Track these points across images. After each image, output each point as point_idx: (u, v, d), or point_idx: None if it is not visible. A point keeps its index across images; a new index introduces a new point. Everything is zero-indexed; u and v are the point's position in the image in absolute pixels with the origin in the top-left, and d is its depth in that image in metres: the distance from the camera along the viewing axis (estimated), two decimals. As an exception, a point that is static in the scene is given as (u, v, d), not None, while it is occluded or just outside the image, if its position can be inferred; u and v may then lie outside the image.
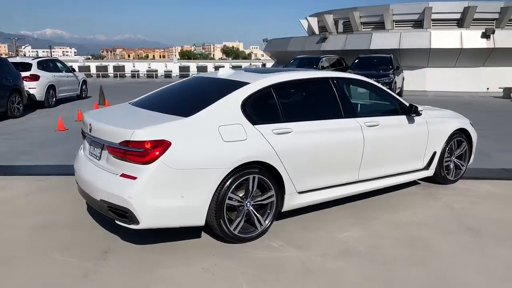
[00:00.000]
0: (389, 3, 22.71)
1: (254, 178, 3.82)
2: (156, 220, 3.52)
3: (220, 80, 4.48)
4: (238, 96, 3.97)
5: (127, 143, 3.47)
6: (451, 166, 5.66)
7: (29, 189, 5.46)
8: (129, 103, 4.76)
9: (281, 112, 4.14)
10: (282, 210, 4.15)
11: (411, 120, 5.08)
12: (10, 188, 5.50)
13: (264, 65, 32.54)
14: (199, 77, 5.05)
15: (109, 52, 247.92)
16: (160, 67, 36.72)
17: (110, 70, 35.86)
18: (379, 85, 5.15)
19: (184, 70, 35.16)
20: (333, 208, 4.73)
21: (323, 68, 18.78)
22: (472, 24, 21.82)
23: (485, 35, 19.51)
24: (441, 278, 3.31)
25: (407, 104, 5.11)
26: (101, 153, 3.85)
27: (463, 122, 5.70)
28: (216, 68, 35.24)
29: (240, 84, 4.12)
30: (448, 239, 4.01)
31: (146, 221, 3.47)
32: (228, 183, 3.67)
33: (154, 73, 35.21)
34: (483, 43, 19.56)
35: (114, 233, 4.08)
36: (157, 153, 3.42)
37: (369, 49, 20.16)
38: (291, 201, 4.15)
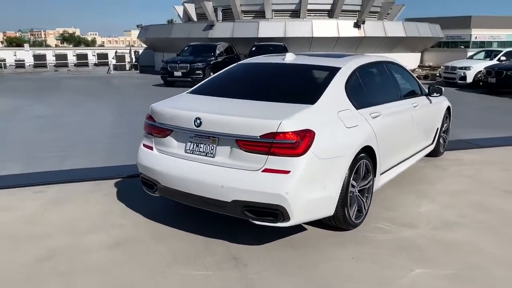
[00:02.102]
0: (269, -8, 23.69)
1: (363, 163, 3.84)
2: (305, 215, 3.32)
3: (303, 65, 4.32)
4: (341, 80, 3.90)
5: (273, 135, 3.16)
6: (441, 140, 6.40)
7: (36, 203, 4.48)
8: (189, 93, 4.25)
9: (367, 95, 4.20)
10: (370, 193, 4.24)
11: (430, 100, 5.61)
12: (12, 206, 4.42)
13: (137, 52, 30.76)
14: (266, 63, 4.71)
15: None
16: (7, 56, 31.78)
17: None
18: (406, 68, 5.54)
19: (40, 59, 31.10)
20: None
21: (219, 55, 18.78)
22: (340, 15, 24.12)
23: (357, 25, 21.82)
24: (547, 232, 3.85)
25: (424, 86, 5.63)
26: (215, 149, 3.41)
27: (448, 100, 6.48)
28: (79, 56, 32.04)
29: (333, 69, 4.04)
30: (502, 201, 4.60)
31: (297, 217, 3.24)
32: (349, 169, 3.62)
33: (2, 62, 30.40)
34: (355, 32, 21.84)
35: (211, 237, 3.68)
36: (307, 143, 3.20)
37: (257, 37, 20.72)
38: (377, 183, 4.27)
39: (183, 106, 3.77)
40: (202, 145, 3.48)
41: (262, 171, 3.20)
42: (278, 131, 3.15)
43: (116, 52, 31.76)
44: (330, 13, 24.15)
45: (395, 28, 22.81)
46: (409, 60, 22.58)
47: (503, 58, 19.44)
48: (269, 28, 21.32)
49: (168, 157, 3.67)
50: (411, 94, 5.39)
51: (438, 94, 5.60)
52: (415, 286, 2.98)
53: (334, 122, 3.54)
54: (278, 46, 18.52)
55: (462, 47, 69.25)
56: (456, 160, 6.25)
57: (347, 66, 4.12)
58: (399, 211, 4.33)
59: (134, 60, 30.37)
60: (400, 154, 4.77)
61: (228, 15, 24.91)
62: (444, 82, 18.63)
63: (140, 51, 31.50)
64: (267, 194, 3.15)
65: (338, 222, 3.69)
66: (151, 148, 3.86)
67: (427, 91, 5.60)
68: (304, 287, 2.96)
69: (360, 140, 3.71)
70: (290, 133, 3.16)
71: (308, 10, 23.57)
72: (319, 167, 3.30)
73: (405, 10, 27.65)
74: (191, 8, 26.66)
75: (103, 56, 32.60)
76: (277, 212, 3.18)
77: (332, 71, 3.99)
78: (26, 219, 4.08)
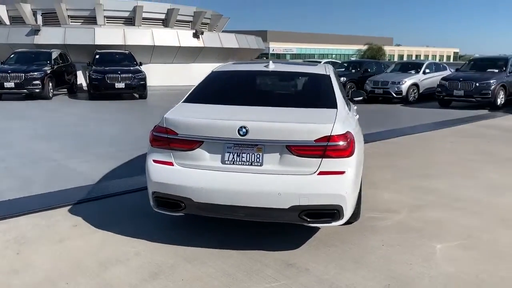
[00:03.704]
0: (100, -2, 22.23)
1: None
2: (351, 211, 3.49)
3: (295, 73, 4.51)
4: (337, 86, 4.20)
5: (327, 138, 3.28)
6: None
7: (-8, 248, 3.55)
8: (186, 102, 3.97)
9: (345, 99, 4.59)
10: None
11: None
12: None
13: None
14: (257, 71, 4.62)
15: None
16: None
17: None
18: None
19: None
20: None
21: (55, 63, 16.84)
22: (175, 25, 24.27)
23: (196, 36, 22.27)
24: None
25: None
26: (261, 157, 3.33)
27: None
28: None
29: (325, 76, 4.33)
30: (428, 183, 5.57)
31: (347, 215, 3.42)
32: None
33: None
34: (195, 42, 22.25)
35: (246, 250, 3.57)
36: (353, 144, 3.42)
37: (94, 44, 19.19)
38: None
39: (215, 116, 3.54)
40: (245, 155, 3.35)
41: (317, 174, 3.29)
42: (332, 134, 3.29)
43: None
44: (165, 22, 24.13)
45: (229, 40, 24.11)
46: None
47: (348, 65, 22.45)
48: (106, 35, 20.09)
49: (200, 171, 3.40)
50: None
51: (361, 98, 6.37)
52: (453, 257, 3.51)
53: (352, 124, 3.84)
54: (124, 54, 17.66)
55: (265, 58, 77.33)
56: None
57: (331, 73, 4.46)
58: (370, 201, 4.85)
59: None
60: None
61: (51, 19, 22.55)
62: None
63: None
64: (327, 196, 3.26)
65: (353, 216, 3.96)
66: (169, 163, 3.49)
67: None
68: (378, 278, 3.17)
69: (362, 139, 4.10)
70: (342, 135, 3.33)
71: (144, 19, 23.08)
72: (359, 166, 3.56)
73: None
74: (1, 10, 23.11)
75: None
76: (335, 212, 3.32)
77: (326, 78, 4.28)
78: (3, 268, 3.21)
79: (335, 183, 3.29)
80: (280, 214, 3.31)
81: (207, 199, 3.35)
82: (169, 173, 3.47)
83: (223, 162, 3.38)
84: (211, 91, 4.25)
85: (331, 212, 3.32)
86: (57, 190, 4.99)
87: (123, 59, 17.26)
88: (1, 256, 3.40)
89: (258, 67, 4.77)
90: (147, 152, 3.69)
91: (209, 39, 22.86)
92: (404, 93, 15.94)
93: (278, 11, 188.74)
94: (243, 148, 3.36)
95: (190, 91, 4.19)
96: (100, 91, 15.35)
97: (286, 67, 4.83)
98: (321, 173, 3.30)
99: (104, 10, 22.18)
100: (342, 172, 3.33)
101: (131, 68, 16.18)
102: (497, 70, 14.96)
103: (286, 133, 3.31)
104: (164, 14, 23.99)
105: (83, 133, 8.82)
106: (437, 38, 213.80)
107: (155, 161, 3.55)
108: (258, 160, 3.34)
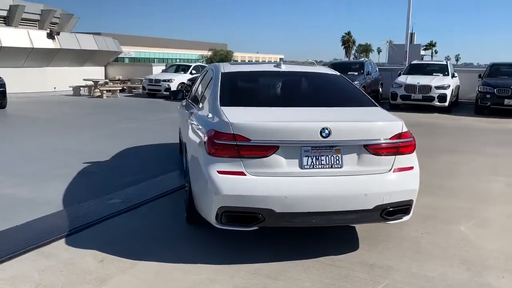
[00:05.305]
0: None
1: None
2: None
3: (316, 73, 4.50)
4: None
5: (398, 135, 3.35)
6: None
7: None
8: (223, 106, 3.57)
9: None
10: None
11: None
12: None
13: None
14: (276, 71, 4.31)
15: None
16: None
17: None
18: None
19: None
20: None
21: None
22: (20, 23, 21.17)
23: (51, 36, 19.72)
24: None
25: None
26: (341, 158, 3.22)
27: None
28: None
29: (340, 76, 4.43)
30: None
31: (412, 209, 3.51)
32: None
33: None
34: (50, 44, 19.68)
35: (311, 258, 3.41)
36: (415, 140, 3.54)
37: None
38: None
39: (290, 118, 3.25)
40: (323, 157, 3.19)
41: (393, 172, 3.33)
42: (402, 131, 3.37)
43: None
44: (8, 21, 20.94)
45: (87, 41, 22.08)
46: (97, 74, 22.41)
47: (194, 71, 22.42)
48: None
49: (279, 178, 3.12)
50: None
51: None
52: (481, 235, 3.94)
53: None
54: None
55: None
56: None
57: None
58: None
59: None
60: None
61: None
62: (147, 94, 19.66)
63: None
64: (404, 192, 3.33)
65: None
66: (240, 173, 3.11)
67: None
68: (454, 264, 3.38)
69: None
70: (408, 132, 3.44)
71: (-21, 15, 19.65)
72: None
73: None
74: None
75: None
76: (408, 207, 3.40)
77: (342, 77, 4.37)
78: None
79: (409, 179, 3.39)
80: (363, 216, 3.26)
81: (291, 208, 3.10)
82: (242, 184, 3.10)
83: (301, 167, 3.17)
84: (248, 94, 3.98)
85: (405, 208, 3.39)
86: (25, 223, 3.97)
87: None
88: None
89: (269, 67, 4.57)
90: (204, 163, 3.23)
91: (66, 40, 20.62)
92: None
93: (112, 14, 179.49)
94: (321, 151, 3.21)
95: (218, 94, 3.76)
96: None
97: (297, 67, 4.76)
98: (395, 170, 3.35)
99: None
100: (411, 168, 3.44)
101: (-16, 72, 13.65)
102: (356, 73, 16.97)
103: (365, 132, 3.29)
104: (6, 11, 20.81)
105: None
106: (265, 46, 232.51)
107: (220, 172, 3.13)
108: (338, 162, 3.23)
